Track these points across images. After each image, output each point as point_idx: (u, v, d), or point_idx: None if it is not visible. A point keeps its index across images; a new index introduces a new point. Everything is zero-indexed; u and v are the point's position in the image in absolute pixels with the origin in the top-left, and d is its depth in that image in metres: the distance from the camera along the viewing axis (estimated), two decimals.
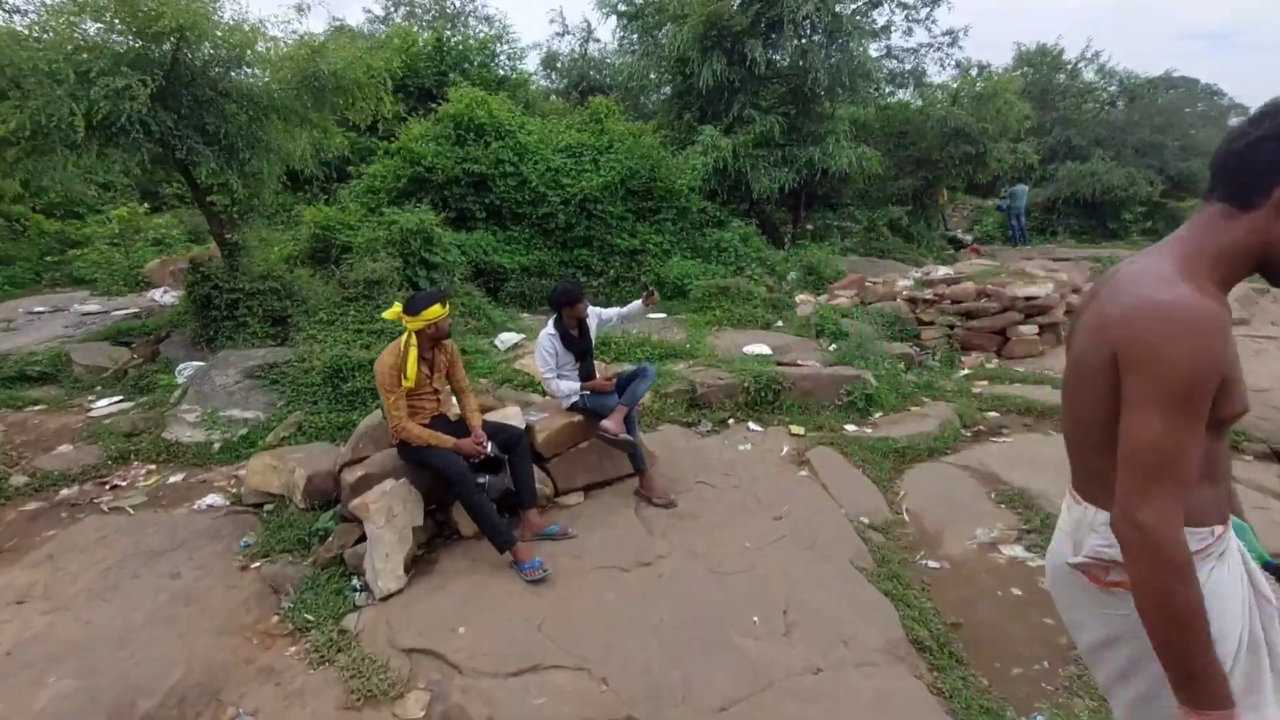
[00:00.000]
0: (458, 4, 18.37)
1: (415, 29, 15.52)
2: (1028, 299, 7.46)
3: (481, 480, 3.67)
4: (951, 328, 7.77)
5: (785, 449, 5.30)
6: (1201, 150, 17.29)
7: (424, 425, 3.78)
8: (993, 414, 6.07)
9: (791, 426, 5.78)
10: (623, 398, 4.37)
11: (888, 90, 16.12)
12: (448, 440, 3.71)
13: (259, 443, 5.35)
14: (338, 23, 17.80)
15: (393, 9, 18.97)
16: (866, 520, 4.21)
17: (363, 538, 3.62)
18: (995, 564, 3.76)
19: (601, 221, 10.02)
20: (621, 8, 15.15)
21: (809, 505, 4.35)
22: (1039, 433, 5.59)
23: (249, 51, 6.41)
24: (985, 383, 6.82)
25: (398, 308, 3.74)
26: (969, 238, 15.72)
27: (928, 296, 8.09)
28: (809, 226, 14.25)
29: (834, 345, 7.41)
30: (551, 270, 9.78)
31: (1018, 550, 3.85)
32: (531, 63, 18.96)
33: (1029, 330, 7.44)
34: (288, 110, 6.69)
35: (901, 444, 5.18)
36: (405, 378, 3.63)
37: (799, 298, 9.36)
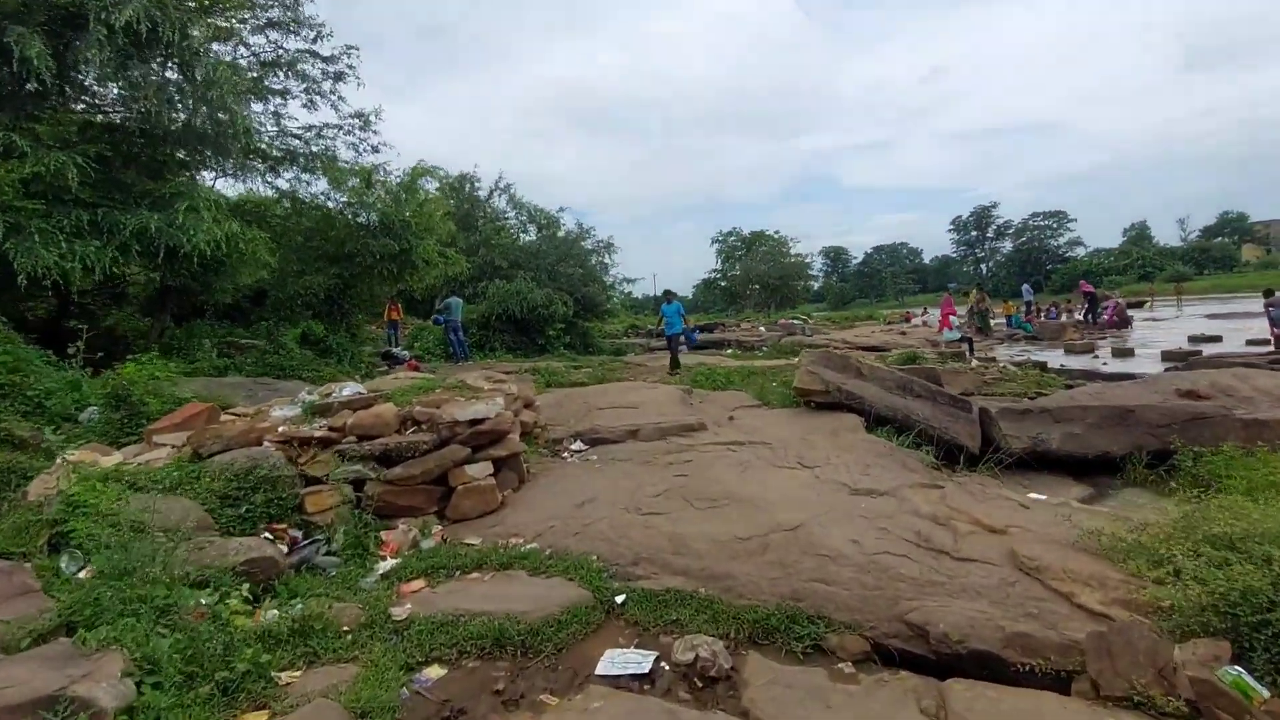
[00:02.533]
0: None
1: None
2: (472, 423, 4.80)
3: None
4: (360, 484, 4.46)
5: None
6: (596, 278, 19.78)
7: None
8: (434, 671, 2.87)
9: None
10: None
11: (293, 174, 12.76)
12: None
13: None
14: None
15: None
16: None
17: None
18: None
19: None
20: None
21: None
22: (526, 711, 2.60)
23: None
24: (422, 585, 3.66)
25: None
26: (407, 353, 13.37)
27: (318, 433, 4.64)
28: (165, 337, 9.30)
29: (82, 570, 3.14)
30: None
31: None
32: None
33: (480, 471, 4.74)
34: None
35: None
36: None
37: (68, 456, 4.58)
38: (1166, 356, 13.32)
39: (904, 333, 22.89)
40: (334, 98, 12.04)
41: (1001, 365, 13.04)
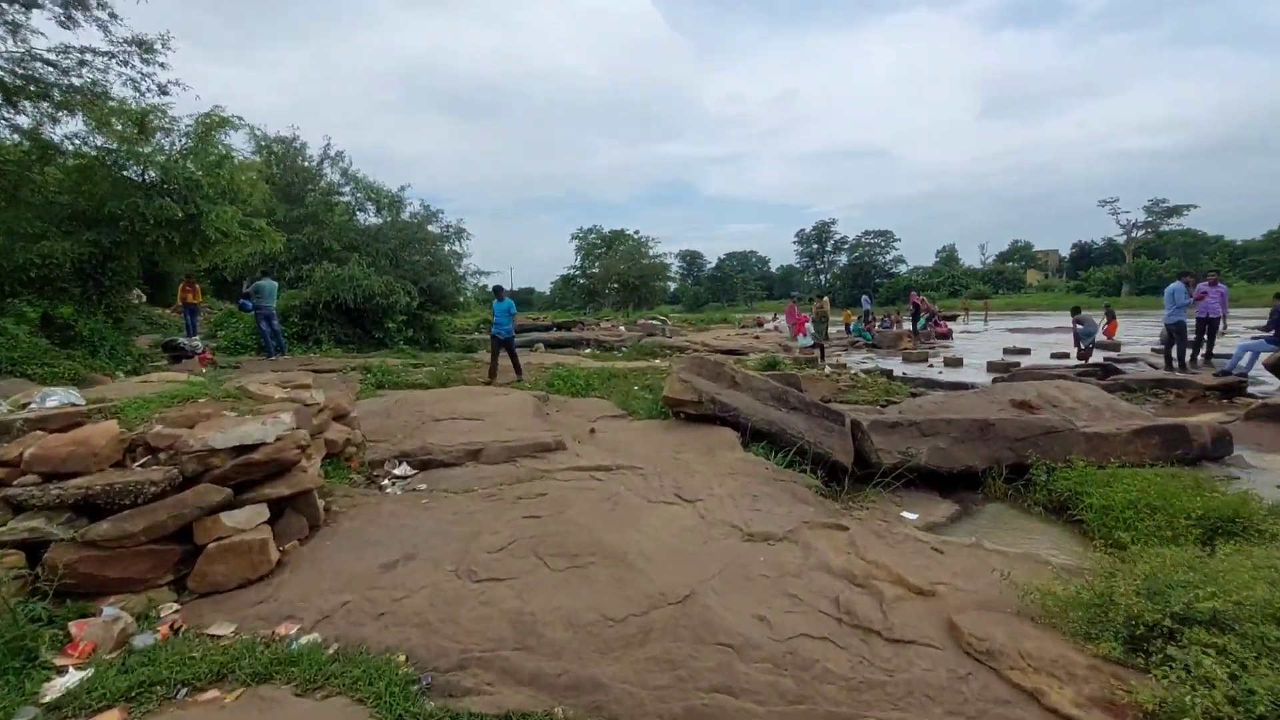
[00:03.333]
0: None
1: None
2: (239, 450, 3.42)
3: None
4: (41, 547, 2.95)
5: None
6: (445, 266, 17.93)
7: None
8: None
9: None
10: None
11: (39, 110, 9.89)
12: None
13: None
14: None
15: None
16: None
17: None
18: None
19: None
20: None
21: None
22: None
23: None
24: (116, 719, 2.32)
25: None
26: (200, 344, 10.97)
27: None
28: None
29: None
30: None
31: None
32: None
33: (247, 519, 3.37)
34: None
35: None
36: None
37: None
38: (991, 367, 14.40)
39: (758, 337, 23.41)
40: (102, 15, 9.49)
41: (852, 373, 13.35)
